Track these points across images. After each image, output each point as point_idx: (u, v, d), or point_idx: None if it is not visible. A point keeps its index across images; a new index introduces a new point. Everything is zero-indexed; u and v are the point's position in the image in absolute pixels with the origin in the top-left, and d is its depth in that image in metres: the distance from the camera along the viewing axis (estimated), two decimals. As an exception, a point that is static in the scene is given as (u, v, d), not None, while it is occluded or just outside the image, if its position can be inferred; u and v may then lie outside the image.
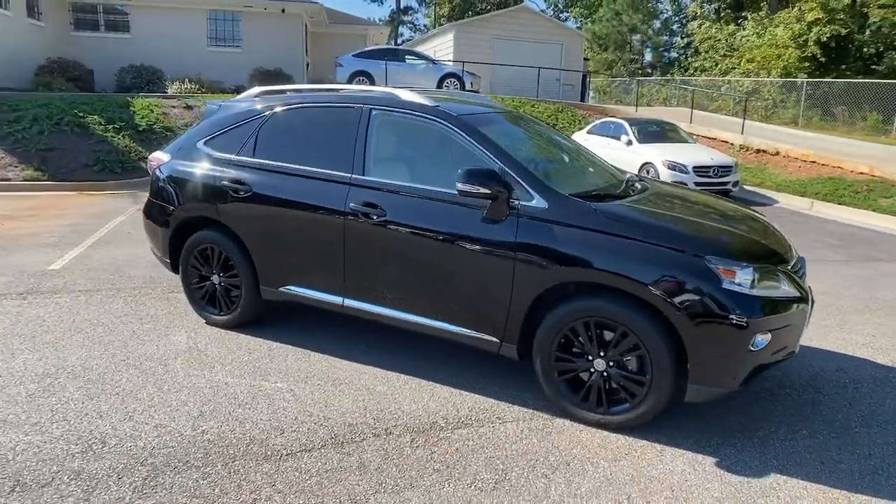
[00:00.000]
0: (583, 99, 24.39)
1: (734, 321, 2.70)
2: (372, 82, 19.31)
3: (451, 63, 21.33)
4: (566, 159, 4.05)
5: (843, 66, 24.43)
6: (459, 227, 3.21)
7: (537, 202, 3.08)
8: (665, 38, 37.38)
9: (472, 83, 20.02)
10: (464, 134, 3.36)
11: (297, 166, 3.76)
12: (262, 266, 3.90)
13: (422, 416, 3.12)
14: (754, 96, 22.14)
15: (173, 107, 14.08)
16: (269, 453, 2.74)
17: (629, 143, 12.30)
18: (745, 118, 16.29)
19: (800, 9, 24.54)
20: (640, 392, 2.92)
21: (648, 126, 13.02)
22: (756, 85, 24.76)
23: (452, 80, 19.84)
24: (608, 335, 2.95)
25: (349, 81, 19.34)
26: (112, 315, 4.36)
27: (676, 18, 38.49)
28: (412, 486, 2.55)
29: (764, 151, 14.17)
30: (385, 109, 3.62)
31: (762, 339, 2.77)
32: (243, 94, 4.40)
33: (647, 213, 3.13)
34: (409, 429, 2.99)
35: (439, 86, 19.41)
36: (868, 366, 3.95)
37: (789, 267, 3.07)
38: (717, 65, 31.86)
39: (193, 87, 16.69)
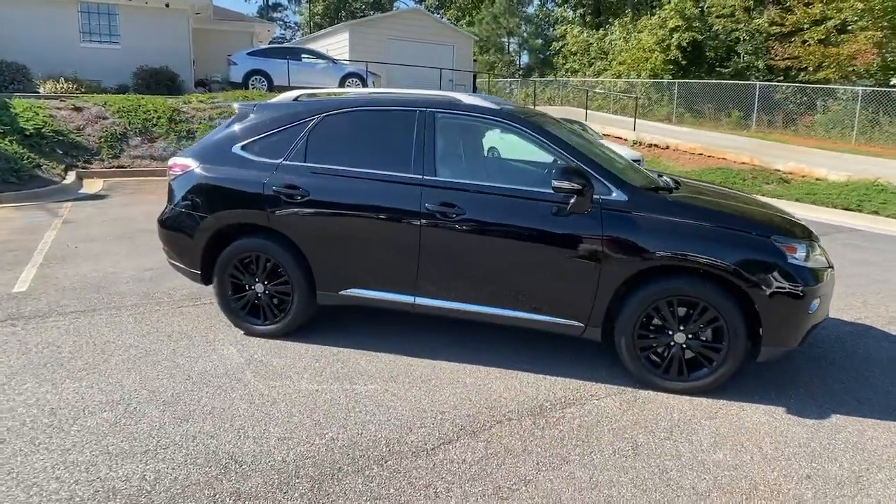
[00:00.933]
0: (475, 98, 25.34)
1: (799, 290, 3.21)
2: (270, 82, 18.63)
3: (348, 62, 21.11)
4: (610, 157, 4.40)
5: (698, 69, 27.64)
6: (543, 221, 3.43)
7: (617, 195, 3.39)
8: (540, 41, 39.71)
9: (373, 83, 20.02)
10: (535, 134, 3.59)
11: (359, 169, 3.75)
12: (322, 271, 3.83)
13: (526, 401, 3.30)
14: (627, 95, 24.32)
15: (58, 108, 12.72)
16: (413, 450, 2.79)
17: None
18: (636, 116, 17.95)
19: (660, 16, 27.36)
20: (717, 358, 3.34)
21: (561, 124, 13.96)
22: (628, 85, 27.23)
23: (354, 79, 19.68)
24: (681, 311, 3.34)
25: (244, 81, 18.51)
26: (135, 335, 4.02)
27: (546, 22, 41.10)
28: (566, 461, 2.74)
29: (656, 146, 15.74)
30: (449, 112, 3.74)
31: (815, 303, 3.31)
32: (279, 98, 4.25)
33: (706, 203, 3.56)
34: (524, 413, 3.17)
35: (341, 85, 19.17)
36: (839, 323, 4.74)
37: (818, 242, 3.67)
38: (590, 65, 34.46)
39: (70, 86, 15.08)
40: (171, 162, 4.22)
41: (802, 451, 2.90)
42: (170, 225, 4.12)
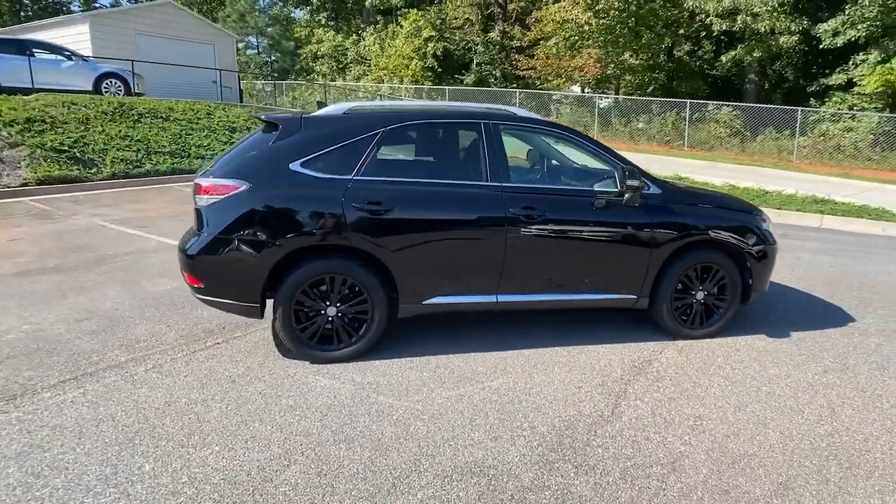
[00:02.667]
0: (241, 100, 24.05)
1: (772, 248, 4.48)
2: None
3: (103, 60, 18.16)
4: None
5: (450, 76, 30.72)
6: (605, 215, 4.08)
7: (653, 190, 4.22)
8: (292, 43, 39.06)
9: (138, 84, 17.72)
10: (586, 142, 4.21)
11: (437, 180, 3.88)
12: (407, 284, 3.85)
13: (625, 361, 3.95)
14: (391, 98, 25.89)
15: None
16: (601, 415, 3.22)
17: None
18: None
19: (414, 25, 29.59)
20: (724, 306, 4.43)
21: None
22: (391, 90, 28.88)
23: (113, 80, 17.08)
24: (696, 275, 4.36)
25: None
26: (187, 388, 3.45)
27: (289, 21, 40.63)
28: (691, 392, 3.49)
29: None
30: (511, 124, 4.11)
31: (776, 259, 4.64)
32: (328, 111, 3.99)
33: (704, 191, 4.64)
34: (633, 369, 3.81)
35: (96, 87, 16.47)
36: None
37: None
38: (344, 70, 35.30)
39: None
40: (203, 184, 3.69)
41: (793, 350, 4.16)
42: (215, 256, 3.63)
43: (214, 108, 16.49)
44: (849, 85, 19.91)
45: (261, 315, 3.78)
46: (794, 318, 5.01)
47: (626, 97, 23.07)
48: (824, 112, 19.91)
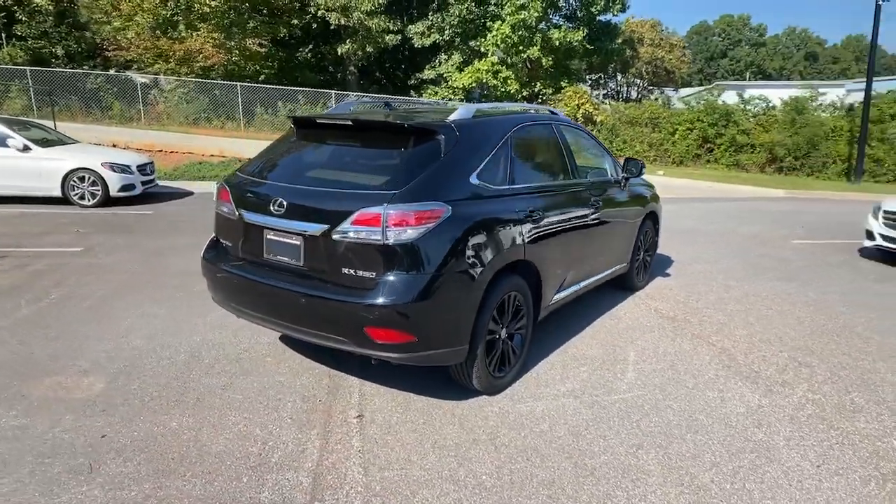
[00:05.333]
0: None
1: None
2: None
3: None
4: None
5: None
6: (621, 195, 4.98)
7: (622, 176, 5.21)
8: None
9: None
10: (592, 139, 4.91)
11: (552, 182, 4.04)
12: (549, 288, 3.88)
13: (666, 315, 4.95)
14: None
15: None
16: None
17: (26, 148, 9.92)
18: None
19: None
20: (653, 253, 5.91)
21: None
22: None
23: None
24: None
25: None
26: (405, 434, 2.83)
27: None
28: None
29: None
30: (564, 124, 4.43)
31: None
32: (462, 113, 3.49)
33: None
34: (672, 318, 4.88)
35: None
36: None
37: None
38: None
39: None
40: (395, 217, 2.84)
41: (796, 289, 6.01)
42: (432, 298, 2.93)
43: None
44: (439, 79, 24.56)
45: (465, 357, 3.23)
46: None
47: (247, 83, 22.45)
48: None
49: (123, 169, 10.26)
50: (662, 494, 2.62)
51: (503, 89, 22.43)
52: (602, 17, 24.12)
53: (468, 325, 3.18)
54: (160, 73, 21.81)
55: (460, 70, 23.23)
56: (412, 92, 25.73)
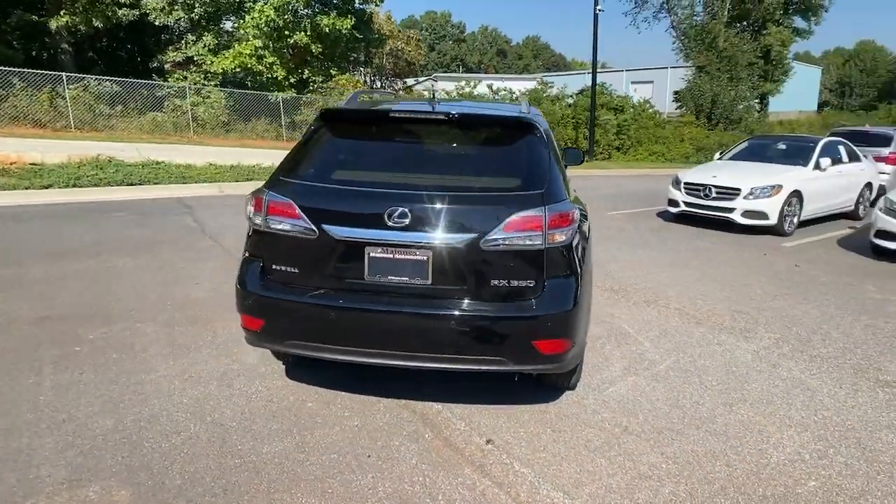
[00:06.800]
0: None
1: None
2: None
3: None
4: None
5: None
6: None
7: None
8: None
9: None
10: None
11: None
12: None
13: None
14: None
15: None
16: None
17: None
18: None
19: None
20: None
21: None
22: None
23: None
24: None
25: None
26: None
27: None
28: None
29: None
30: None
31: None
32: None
33: None
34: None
35: None
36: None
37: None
38: None
39: None
40: (554, 219, 2.70)
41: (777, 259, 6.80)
42: (585, 301, 2.94)
43: None
44: (188, 62, 21.70)
45: (583, 356, 3.20)
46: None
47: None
48: (169, 88, 21.09)
49: None
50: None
51: (269, 75, 21.01)
52: (362, 7, 24.23)
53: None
54: None
55: (215, 53, 20.98)
56: (154, 76, 22.33)
